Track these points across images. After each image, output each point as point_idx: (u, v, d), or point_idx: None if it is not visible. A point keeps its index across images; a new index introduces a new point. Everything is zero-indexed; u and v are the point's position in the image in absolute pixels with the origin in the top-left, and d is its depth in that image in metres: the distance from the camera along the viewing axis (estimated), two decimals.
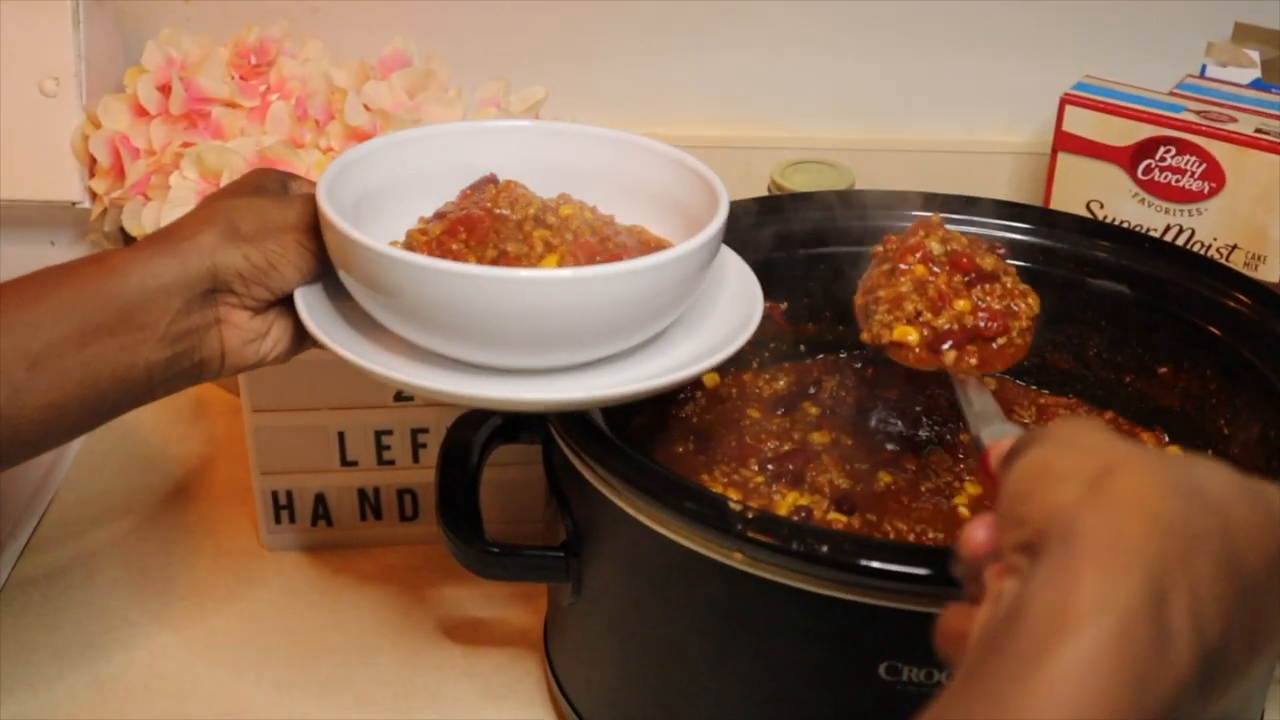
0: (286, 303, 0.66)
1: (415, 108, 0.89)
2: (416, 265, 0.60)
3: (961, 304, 0.68)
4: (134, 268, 0.61)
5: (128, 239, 0.93)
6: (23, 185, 0.93)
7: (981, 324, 0.67)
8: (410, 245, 0.66)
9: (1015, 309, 0.69)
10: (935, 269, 0.69)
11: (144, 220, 0.88)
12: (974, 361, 0.67)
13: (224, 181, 0.85)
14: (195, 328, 0.63)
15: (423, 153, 0.71)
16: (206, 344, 0.64)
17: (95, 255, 0.63)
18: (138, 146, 0.91)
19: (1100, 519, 0.40)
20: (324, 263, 0.65)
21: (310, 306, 0.65)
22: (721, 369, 0.74)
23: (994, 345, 0.68)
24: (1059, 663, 0.38)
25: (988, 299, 0.68)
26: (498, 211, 0.66)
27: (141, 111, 0.91)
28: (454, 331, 0.62)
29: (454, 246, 0.65)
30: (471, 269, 0.60)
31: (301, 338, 0.66)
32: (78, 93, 0.93)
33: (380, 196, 0.69)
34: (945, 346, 0.67)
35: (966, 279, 0.69)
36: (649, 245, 0.68)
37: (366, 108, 0.89)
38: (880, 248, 0.73)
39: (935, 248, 0.69)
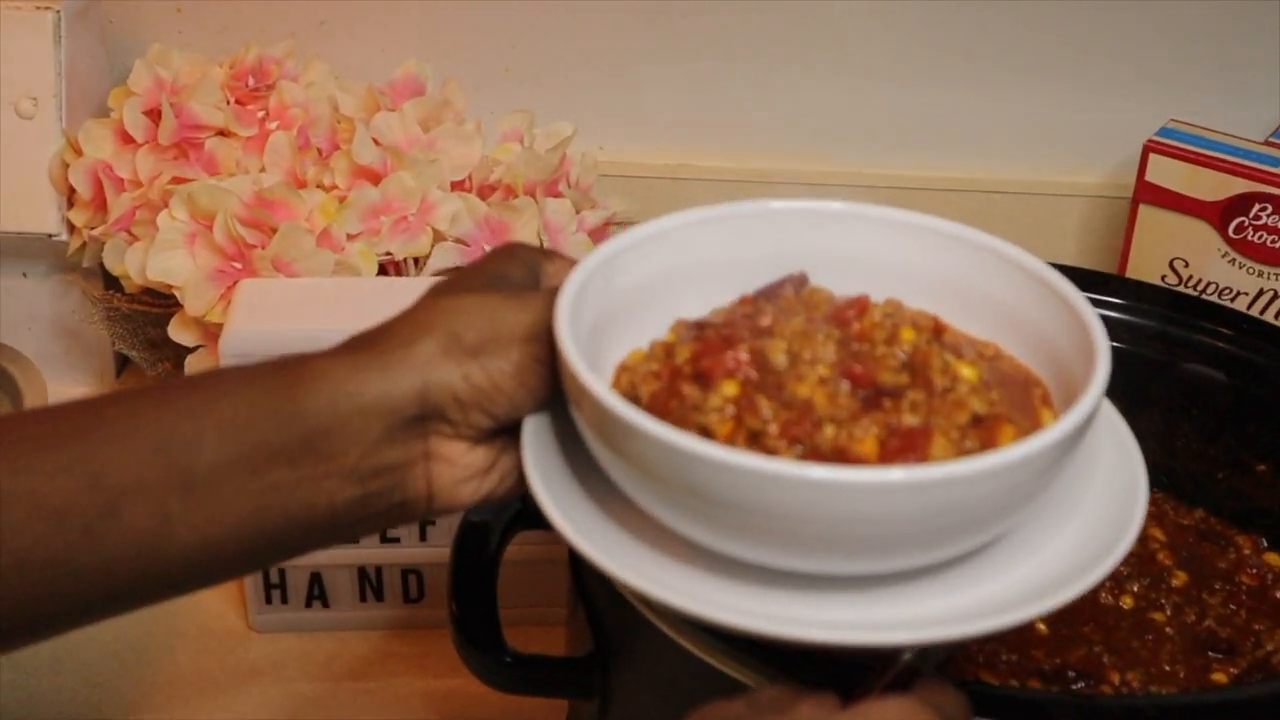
0: (518, 430, 0.53)
1: (430, 143, 0.85)
2: (637, 430, 0.46)
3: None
4: (326, 381, 0.50)
5: (109, 278, 0.90)
6: None
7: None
8: (637, 372, 0.51)
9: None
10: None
11: (128, 262, 0.84)
12: None
13: (217, 226, 0.80)
14: (397, 463, 0.51)
15: (718, 236, 0.56)
16: (410, 483, 0.52)
17: (284, 360, 0.51)
18: (122, 177, 0.88)
19: None
20: None
21: (538, 444, 0.52)
22: None
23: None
24: None
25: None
26: (767, 346, 0.50)
27: (127, 139, 0.88)
28: (707, 522, 0.47)
29: (685, 389, 0.49)
30: (716, 453, 0.45)
31: None
32: (57, 115, 0.90)
33: (651, 291, 0.55)
34: None
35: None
36: (1016, 380, 0.53)
37: (376, 142, 0.84)
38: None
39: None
